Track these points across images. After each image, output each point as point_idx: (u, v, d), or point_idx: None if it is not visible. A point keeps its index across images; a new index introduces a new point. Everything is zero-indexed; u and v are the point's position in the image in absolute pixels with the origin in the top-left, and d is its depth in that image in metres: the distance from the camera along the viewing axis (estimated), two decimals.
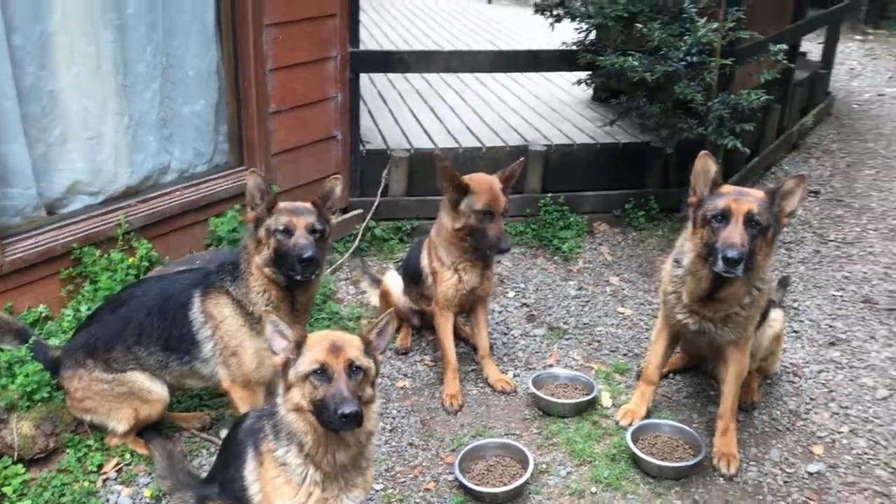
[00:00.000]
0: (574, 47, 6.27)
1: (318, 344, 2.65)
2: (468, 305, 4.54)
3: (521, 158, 4.33)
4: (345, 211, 6.02)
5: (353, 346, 2.66)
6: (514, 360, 4.83)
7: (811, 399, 4.49)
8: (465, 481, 3.68)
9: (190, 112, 5.07)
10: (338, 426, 2.58)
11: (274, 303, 3.60)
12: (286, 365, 2.68)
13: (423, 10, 13.26)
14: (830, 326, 5.27)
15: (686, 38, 5.42)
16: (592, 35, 6.25)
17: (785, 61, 6.13)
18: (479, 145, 6.48)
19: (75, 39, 4.34)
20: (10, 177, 4.14)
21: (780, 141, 8.12)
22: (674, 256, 3.92)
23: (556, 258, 6.08)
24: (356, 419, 2.55)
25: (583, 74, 6.62)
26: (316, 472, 2.72)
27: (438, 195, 6.05)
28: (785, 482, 3.83)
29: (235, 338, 3.66)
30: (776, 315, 4.32)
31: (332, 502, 2.76)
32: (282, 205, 3.56)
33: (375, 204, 6.09)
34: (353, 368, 2.62)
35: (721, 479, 3.83)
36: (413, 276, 4.71)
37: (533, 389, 4.34)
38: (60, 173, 4.44)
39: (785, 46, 6.03)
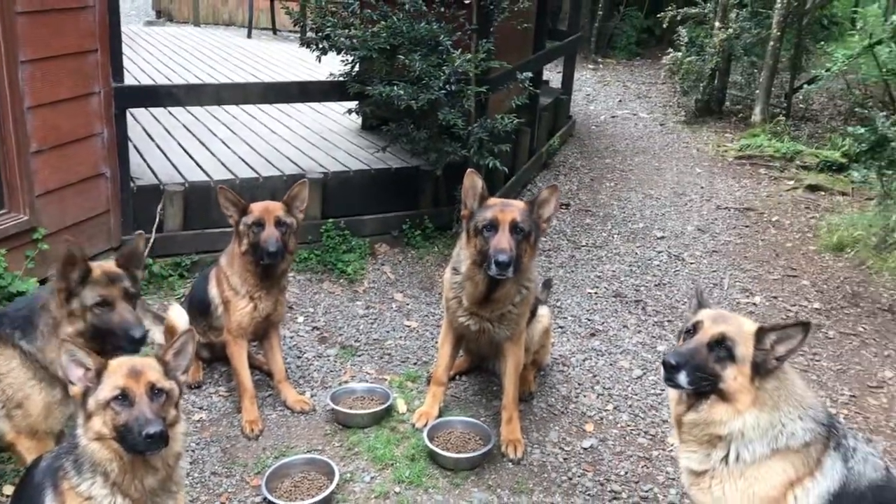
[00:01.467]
0: (341, 78, 6.55)
1: (118, 370, 2.65)
2: (262, 332, 4.61)
3: (304, 179, 4.48)
4: (116, 250, 5.82)
5: (152, 369, 2.69)
6: (310, 381, 4.95)
7: (579, 384, 5.03)
8: (273, 499, 3.75)
9: None
10: (143, 448, 2.59)
11: None
12: (85, 394, 2.65)
13: (181, 45, 12.99)
14: (589, 320, 5.92)
15: (444, 68, 5.88)
16: (357, 67, 6.56)
17: (531, 88, 6.82)
18: (255, 175, 6.54)
19: None
20: None
21: (533, 161, 8.91)
22: (452, 265, 4.28)
23: (341, 281, 6.27)
24: (161, 439, 2.58)
25: (352, 104, 6.91)
26: (124, 501, 2.69)
27: (216, 228, 6.12)
28: (564, 459, 4.28)
29: (21, 390, 3.47)
30: (543, 311, 4.81)
31: None
32: (96, 273, 3.37)
33: (151, 241, 5.94)
34: (154, 391, 2.64)
35: (510, 463, 4.20)
36: (201, 309, 4.69)
37: (331, 405, 4.50)
38: None
39: (530, 74, 6.68)
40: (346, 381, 4.93)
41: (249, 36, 14.42)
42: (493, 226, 3.89)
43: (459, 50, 6.03)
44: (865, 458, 2.91)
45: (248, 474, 4.06)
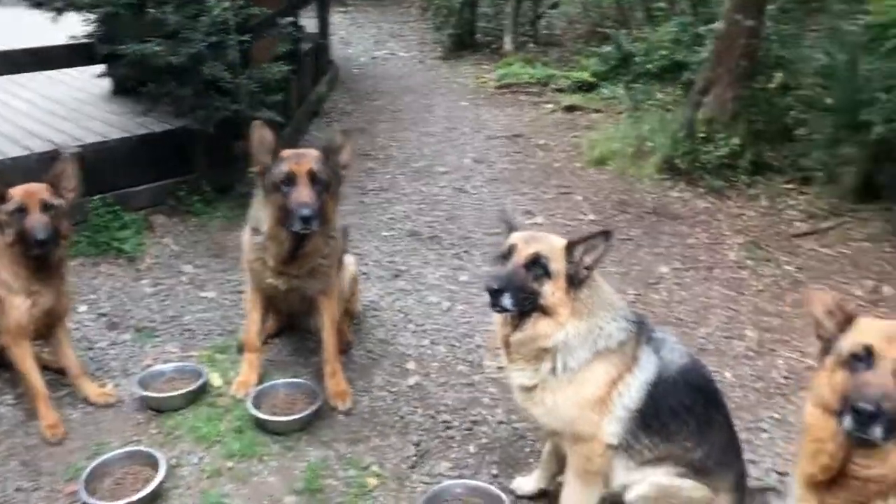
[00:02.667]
0: (85, 40, 5.94)
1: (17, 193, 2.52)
2: (45, 329, 4.15)
3: (66, 154, 4.04)
4: None
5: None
6: (109, 372, 4.56)
7: (394, 325, 5.07)
8: (94, 502, 3.45)
9: None
10: None
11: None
12: None
13: None
14: (391, 262, 5.95)
15: (202, 18, 5.51)
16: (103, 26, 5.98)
17: (294, 34, 6.60)
18: (1, 157, 5.82)
19: None
20: None
21: (303, 110, 8.71)
22: (250, 226, 4.09)
23: (120, 261, 5.80)
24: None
25: (99, 68, 6.32)
26: None
27: None
28: (393, 400, 4.31)
29: None
30: (349, 260, 4.76)
31: None
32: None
33: None
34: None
35: (341, 415, 4.16)
36: None
37: (140, 391, 4.19)
38: None
39: (292, 19, 6.45)
40: (149, 365, 4.60)
41: None
42: (290, 179, 3.75)
43: None
44: (672, 348, 3.19)
45: (59, 482, 3.69)
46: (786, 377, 4.54)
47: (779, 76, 7.26)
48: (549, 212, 6.89)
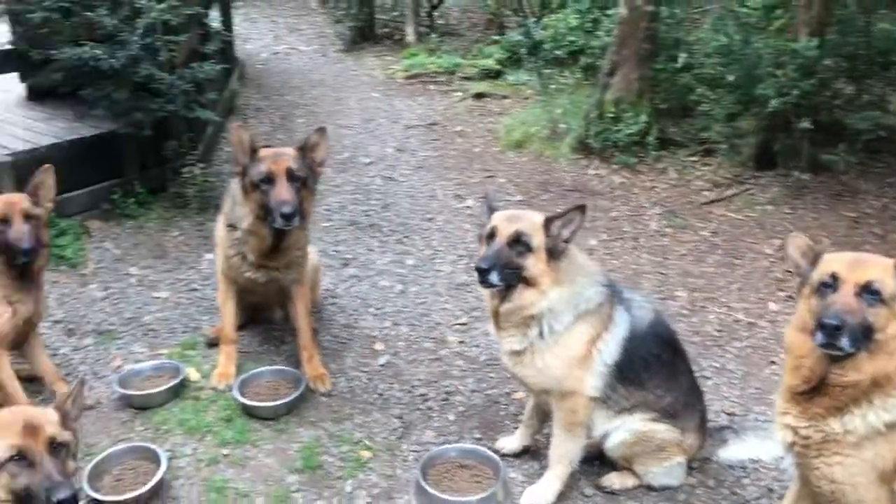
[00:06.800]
0: (9, 47, 5.83)
1: (9, 426, 2.36)
2: (22, 337, 4.16)
3: (47, 165, 4.07)
4: None
5: (49, 422, 2.44)
6: (79, 375, 4.59)
7: (354, 311, 5.29)
8: (103, 497, 3.56)
9: None
10: None
11: None
12: None
13: None
14: (336, 251, 6.15)
15: (139, 20, 5.52)
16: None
17: (221, 32, 6.66)
18: None
19: None
20: None
21: (221, 108, 8.69)
22: (227, 223, 4.23)
23: (62, 268, 5.74)
24: (74, 502, 2.38)
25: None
26: None
27: None
28: (369, 379, 4.55)
29: None
30: (311, 249, 4.93)
31: None
32: None
33: None
34: (55, 447, 2.41)
35: (323, 397, 4.37)
36: None
37: (121, 390, 4.27)
38: None
39: (219, 18, 6.51)
40: (120, 367, 4.65)
41: None
42: (269, 178, 3.92)
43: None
44: (641, 305, 3.58)
45: None
46: (718, 330, 5.06)
47: (683, 56, 7.83)
48: (477, 195, 7.22)
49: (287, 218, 3.87)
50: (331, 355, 4.78)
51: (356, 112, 9.61)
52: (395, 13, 13.83)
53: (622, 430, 3.55)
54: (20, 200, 3.87)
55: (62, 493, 2.32)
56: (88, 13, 5.44)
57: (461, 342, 4.96)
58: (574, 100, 8.56)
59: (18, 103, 7.27)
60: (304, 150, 4.06)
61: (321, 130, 4.14)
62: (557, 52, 9.62)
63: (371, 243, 6.29)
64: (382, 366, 4.69)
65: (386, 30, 13.62)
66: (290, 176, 3.93)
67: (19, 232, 3.79)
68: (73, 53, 5.43)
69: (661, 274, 5.78)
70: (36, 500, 2.34)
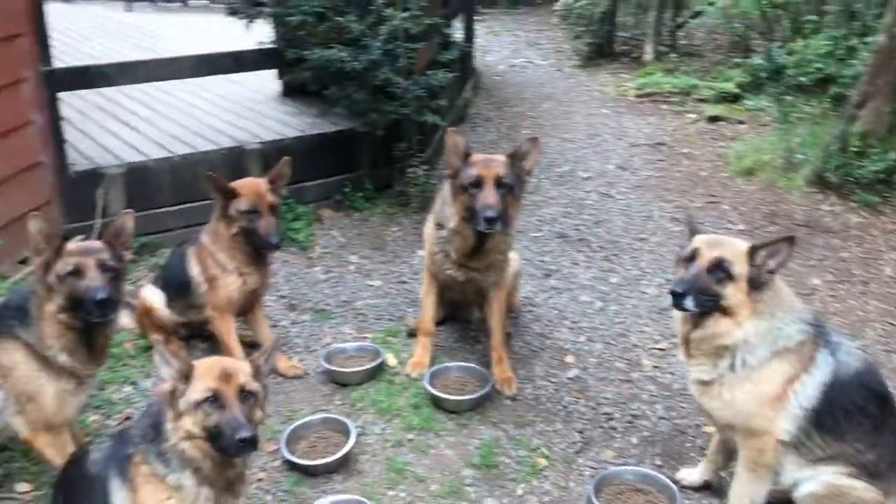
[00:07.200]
0: (272, 45, 6.50)
1: (209, 372, 2.69)
2: (247, 306, 4.65)
3: (286, 157, 4.53)
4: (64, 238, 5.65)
5: (243, 372, 2.73)
6: (293, 348, 5.03)
7: (549, 321, 5.33)
8: (297, 460, 3.89)
9: None
10: (235, 452, 2.66)
11: (70, 347, 3.39)
12: (174, 393, 2.69)
13: (57, 23, 12.29)
14: (542, 261, 6.22)
15: (382, 27, 5.94)
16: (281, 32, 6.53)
17: (461, 42, 6.96)
18: (192, 151, 6.43)
19: None
20: None
21: (452, 115, 9.08)
22: (435, 221, 4.45)
23: (293, 249, 6.30)
24: (253, 444, 2.65)
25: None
26: (209, 491, 2.77)
27: (159, 208, 6.05)
28: (555, 390, 4.58)
29: (31, 383, 3.42)
30: (513, 255, 5.04)
31: None
32: (70, 246, 3.37)
33: (97, 227, 5.79)
34: (244, 394, 2.69)
35: (507, 400, 4.46)
36: (179, 289, 4.67)
37: (326, 365, 4.62)
38: None
39: (460, 29, 6.82)
40: (328, 344, 5.03)
41: (130, 9, 13.80)
42: (478, 182, 4.07)
43: (391, 8, 6.11)
44: (849, 352, 3.32)
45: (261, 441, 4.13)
46: None
47: None
48: (696, 220, 6.96)
49: (490, 222, 4.00)
50: (521, 361, 4.86)
51: (582, 127, 9.62)
52: (637, 31, 13.65)
53: (814, 481, 3.30)
54: (267, 193, 4.34)
55: (244, 433, 2.59)
56: (339, 18, 5.94)
57: (655, 367, 4.84)
58: (815, 130, 7.99)
59: (274, 97, 8.07)
60: (515, 157, 4.17)
61: (533, 140, 4.23)
62: (802, 79, 9.03)
63: (577, 257, 6.29)
64: (571, 379, 4.70)
65: (625, 47, 13.48)
66: (498, 182, 4.06)
67: (268, 225, 4.27)
68: (322, 55, 5.94)
69: (891, 325, 5.27)
70: (223, 437, 2.63)
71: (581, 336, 5.15)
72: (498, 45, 14.44)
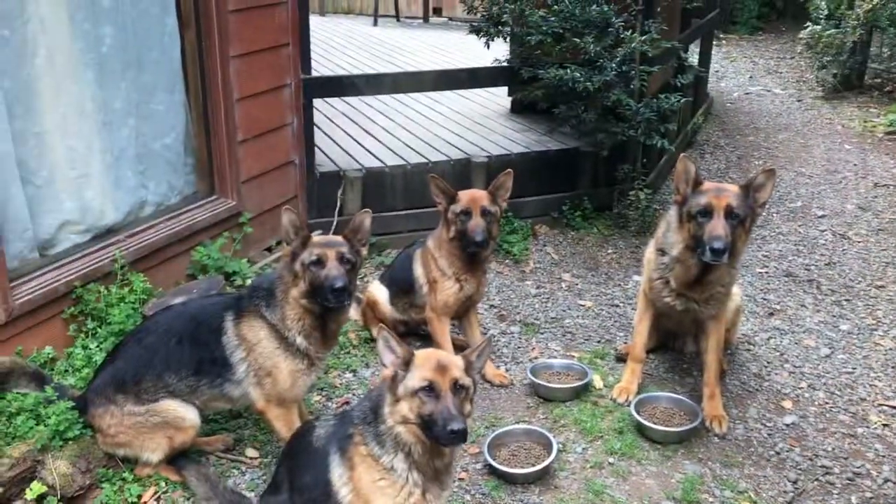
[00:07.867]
0: (506, 63, 6.72)
1: (426, 362, 2.86)
2: (462, 311, 4.85)
3: (508, 170, 4.68)
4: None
5: (456, 366, 2.89)
6: (501, 357, 5.16)
7: (768, 363, 5.07)
8: (499, 466, 3.98)
9: (161, 146, 5.12)
10: (446, 441, 2.81)
11: (307, 330, 3.74)
12: (394, 379, 2.89)
13: (316, 35, 13.42)
14: (765, 299, 5.93)
15: (618, 49, 5.96)
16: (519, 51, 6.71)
17: (696, 67, 6.82)
18: (424, 161, 6.79)
19: (60, 80, 4.35)
20: (8, 220, 4.10)
21: (680, 139, 8.88)
22: (657, 247, 4.39)
23: (507, 261, 6.46)
24: (463, 436, 2.78)
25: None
26: (418, 476, 2.94)
27: (391, 211, 6.43)
28: (769, 434, 4.35)
29: (270, 359, 3.79)
30: (735, 290, 4.86)
31: (430, 501, 2.98)
32: (315, 238, 3.73)
33: (334, 224, 6.27)
34: (457, 387, 2.84)
35: (716, 438, 4.30)
36: (404, 287, 4.97)
37: (533, 379, 4.70)
38: (50, 214, 4.42)
39: (693, 53, 6.68)
40: (535, 358, 5.11)
41: (376, 23, 14.77)
42: (707, 211, 3.96)
43: (630, 31, 6.11)
44: None
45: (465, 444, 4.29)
46: None
47: None
48: None
49: (716, 253, 3.89)
50: (733, 400, 4.67)
51: (820, 162, 9.03)
52: (892, 64, 12.59)
53: None
54: (483, 198, 4.50)
55: (456, 425, 2.72)
56: (576, 39, 6.02)
57: (885, 425, 4.46)
58: None
59: (502, 114, 8.32)
60: (748, 189, 4.02)
61: (769, 172, 4.06)
62: None
63: (804, 299, 5.92)
64: (787, 425, 4.44)
65: (877, 80, 12.47)
66: (729, 212, 3.93)
67: (476, 225, 4.43)
68: (556, 74, 6.05)
69: None
70: (436, 426, 2.77)
71: (802, 382, 4.85)
72: (734, 71, 13.92)
